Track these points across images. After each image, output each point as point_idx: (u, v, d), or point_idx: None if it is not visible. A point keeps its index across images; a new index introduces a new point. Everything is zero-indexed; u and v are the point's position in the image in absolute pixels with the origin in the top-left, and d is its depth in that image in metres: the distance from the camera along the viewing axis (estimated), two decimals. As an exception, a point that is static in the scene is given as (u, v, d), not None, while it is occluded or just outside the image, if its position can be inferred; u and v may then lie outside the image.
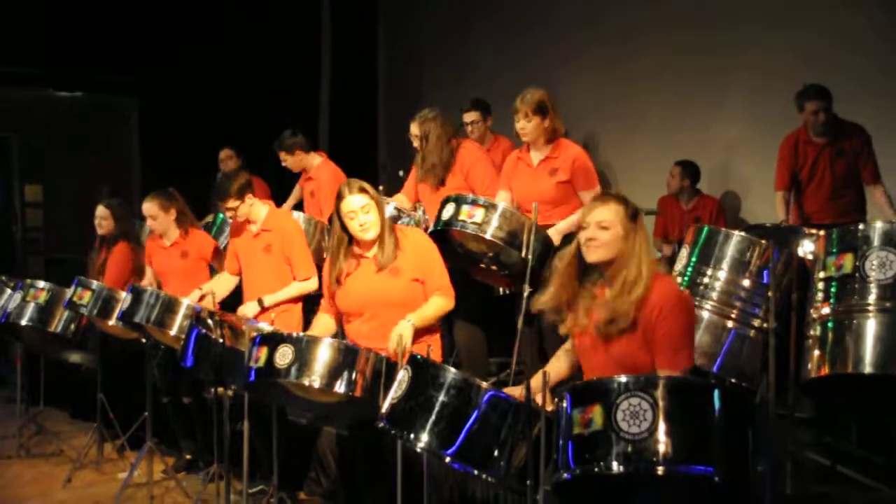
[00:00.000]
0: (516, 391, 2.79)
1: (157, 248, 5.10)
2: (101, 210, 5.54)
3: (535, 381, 2.86)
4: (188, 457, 5.15)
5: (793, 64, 5.71)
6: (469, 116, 5.70)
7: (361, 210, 3.48)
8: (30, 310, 5.20)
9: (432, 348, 3.12)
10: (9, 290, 5.56)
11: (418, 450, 2.84)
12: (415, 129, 4.76)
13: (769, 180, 5.97)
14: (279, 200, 5.89)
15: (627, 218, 2.80)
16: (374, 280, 3.54)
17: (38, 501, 4.80)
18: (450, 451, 2.71)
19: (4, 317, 5.36)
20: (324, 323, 3.74)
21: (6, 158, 9.02)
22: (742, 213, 6.25)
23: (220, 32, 8.94)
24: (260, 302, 4.31)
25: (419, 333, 3.46)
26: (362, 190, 3.50)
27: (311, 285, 4.37)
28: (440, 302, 3.56)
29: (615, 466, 2.42)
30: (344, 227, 3.54)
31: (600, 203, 2.84)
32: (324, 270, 3.73)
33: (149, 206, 4.93)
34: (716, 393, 2.48)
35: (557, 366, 3.09)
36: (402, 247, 3.55)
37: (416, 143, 4.80)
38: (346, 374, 3.15)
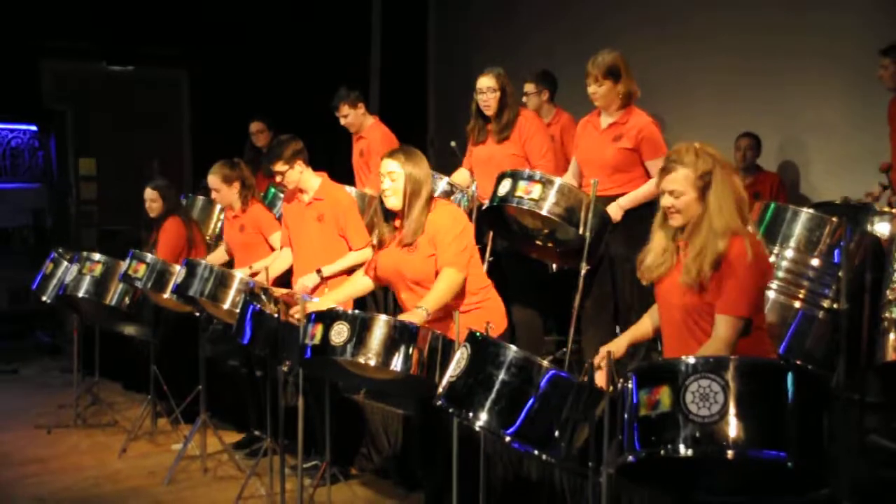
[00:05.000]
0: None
1: (226, 219, 5.18)
2: (149, 192, 5.58)
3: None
4: (257, 432, 5.11)
5: (853, 37, 5.50)
6: (525, 87, 5.60)
7: (389, 175, 3.47)
8: (86, 282, 5.26)
9: (492, 325, 3.05)
10: (66, 263, 5.63)
11: (477, 428, 2.79)
12: (490, 81, 4.56)
13: (831, 156, 5.81)
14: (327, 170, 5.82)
15: (699, 177, 2.75)
16: (396, 252, 3.53)
17: (95, 471, 4.87)
18: (510, 431, 2.66)
19: (62, 289, 5.43)
20: (357, 280, 3.77)
21: (61, 132, 9.13)
22: (802, 190, 6.07)
23: (269, 3, 8.91)
24: (319, 272, 4.29)
25: (447, 312, 3.38)
26: (399, 158, 3.47)
27: (366, 254, 4.34)
28: (446, 275, 3.39)
29: (683, 449, 2.34)
30: None
31: (670, 168, 2.80)
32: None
33: (212, 179, 4.94)
34: (789, 375, 2.39)
35: (642, 326, 3.05)
36: (427, 225, 3.46)
37: (484, 98, 4.59)
38: (402, 352, 3.11)
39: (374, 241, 3.66)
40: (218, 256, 5.30)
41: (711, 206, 2.73)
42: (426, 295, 3.39)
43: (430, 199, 3.51)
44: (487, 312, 3.49)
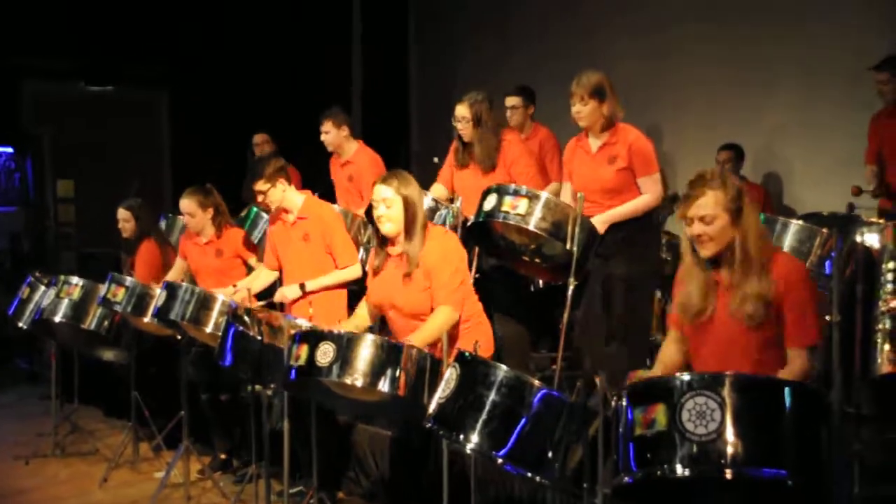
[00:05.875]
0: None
1: (191, 245, 5.02)
2: (121, 213, 5.49)
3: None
4: (223, 456, 5.08)
5: (840, 47, 5.52)
6: (510, 101, 5.55)
7: (383, 202, 3.41)
8: (63, 306, 5.13)
9: (480, 344, 2.98)
10: (42, 287, 5.51)
11: (468, 451, 2.73)
12: (464, 111, 4.54)
13: (815, 166, 5.80)
14: (312, 183, 5.76)
15: (731, 200, 2.63)
16: (390, 282, 3.49)
17: (75, 501, 4.75)
18: (501, 453, 2.60)
19: (38, 313, 5.32)
20: (360, 314, 3.67)
21: (38, 153, 9.01)
22: (786, 201, 6.06)
23: (249, 22, 8.88)
24: (302, 287, 4.22)
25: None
26: (394, 184, 3.42)
27: (353, 272, 4.29)
28: (441, 313, 3.35)
29: (680, 469, 2.28)
30: None
31: (697, 194, 2.65)
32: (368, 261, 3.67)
33: (187, 204, 4.84)
34: (787, 390, 2.35)
35: (670, 356, 2.96)
36: (423, 256, 3.40)
37: (461, 127, 4.58)
38: (389, 373, 3.04)
39: (368, 269, 3.60)
40: (178, 271, 5.19)
41: (750, 232, 2.62)
42: (417, 331, 3.33)
43: (426, 224, 3.46)
44: (476, 335, 3.43)
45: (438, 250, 3.43)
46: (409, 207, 3.41)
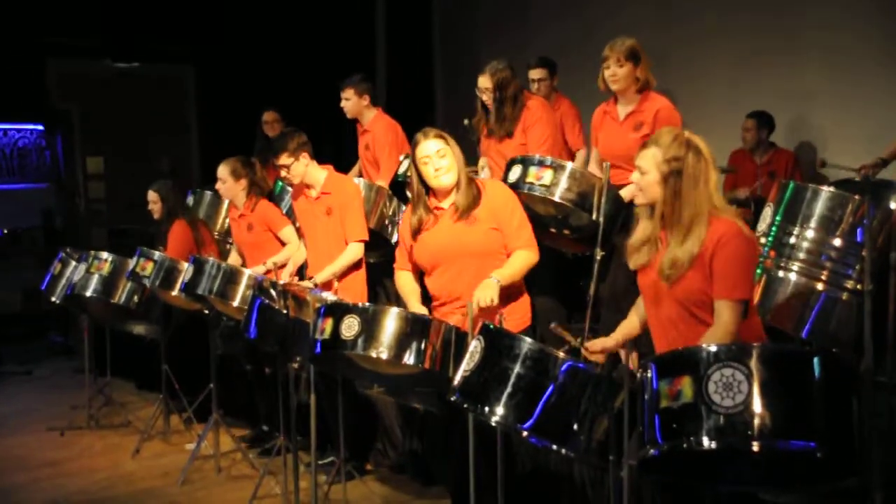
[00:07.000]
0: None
1: (232, 221, 5.09)
2: (150, 194, 5.56)
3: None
4: (266, 428, 5.10)
5: (874, 11, 5.37)
6: (536, 73, 5.51)
7: (437, 154, 3.39)
8: (94, 281, 5.21)
9: (505, 317, 2.97)
10: (73, 262, 5.59)
11: (493, 423, 2.71)
12: (486, 81, 4.49)
13: (846, 132, 5.68)
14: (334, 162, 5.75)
15: (665, 161, 2.64)
16: (451, 229, 3.43)
17: (108, 472, 4.83)
18: (526, 425, 2.58)
19: (70, 288, 5.39)
20: (409, 282, 3.61)
21: (68, 131, 9.08)
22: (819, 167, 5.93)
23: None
24: (312, 280, 4.19)
25: (505, 297, 3.31)
26: (438, 136, 3.41)
27: (356, 251, 4.25)
28: (522, 255, 3.42)
29: (706, 442, 2.25)
30: (421, 179, 3.45)
31: (645, 146, 2.73)
32: (399, 225, 3.63)
33: (221, 169, 4.89)
34: (815, 360, 2.29)
35: (630, 322, 2.99)
36: (484, 199, 3.42)
37: (485, 97, 4.55)
38: (414, 345, 3.04)
39: (404, 233, 3.57)
40: (234, 260, 5.22)
41: (683, 196, 2.62)
42: (500, 268, 3.33)
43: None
44: (522, 306, 3.50)
45: (501, 193, 3.48)
46: (458, 157, 3.43)
